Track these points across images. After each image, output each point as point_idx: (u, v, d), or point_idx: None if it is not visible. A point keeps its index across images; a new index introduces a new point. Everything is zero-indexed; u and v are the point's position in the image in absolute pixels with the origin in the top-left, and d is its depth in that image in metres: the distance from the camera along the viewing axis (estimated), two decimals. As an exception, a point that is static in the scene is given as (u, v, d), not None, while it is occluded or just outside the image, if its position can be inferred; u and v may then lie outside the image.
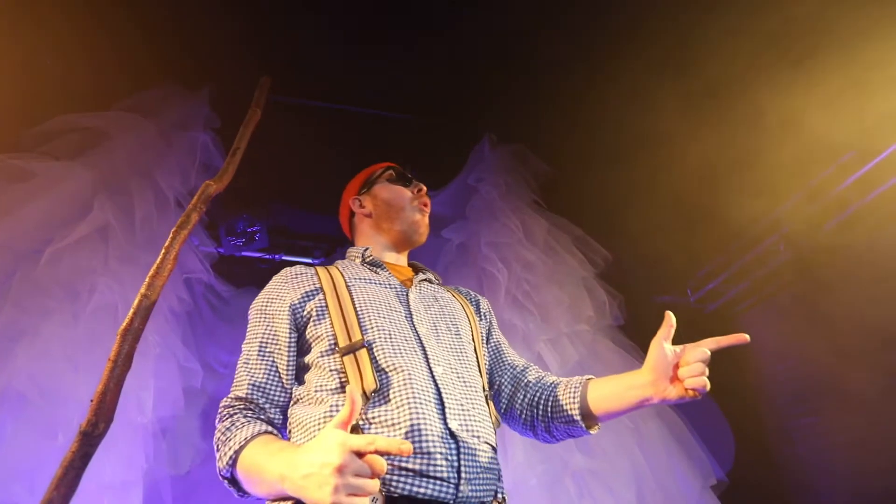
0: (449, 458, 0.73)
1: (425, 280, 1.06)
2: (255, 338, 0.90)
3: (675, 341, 0.83)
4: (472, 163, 2.84)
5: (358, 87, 2.95)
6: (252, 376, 0.86)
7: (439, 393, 0.80)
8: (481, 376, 0.94)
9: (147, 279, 1.17)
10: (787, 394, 3.84)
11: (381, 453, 0.59)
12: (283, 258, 3.63)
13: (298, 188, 3.40)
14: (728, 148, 3.00)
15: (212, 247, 3.09)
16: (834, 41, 2.46)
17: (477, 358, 0.96)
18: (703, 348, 0.79)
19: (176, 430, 2.07)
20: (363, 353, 0.82)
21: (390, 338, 0.85)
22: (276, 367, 0.87)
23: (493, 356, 1.06)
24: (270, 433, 0.79)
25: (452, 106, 2.99)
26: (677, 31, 2.63)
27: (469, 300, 1.11)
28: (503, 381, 1.02)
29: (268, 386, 0.85)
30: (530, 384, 0.99)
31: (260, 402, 0.84)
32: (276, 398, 0.85)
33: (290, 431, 0.84)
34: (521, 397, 0.98)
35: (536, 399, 0.96)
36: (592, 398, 0.90)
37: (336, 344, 0.84)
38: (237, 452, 0.74)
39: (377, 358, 0.82)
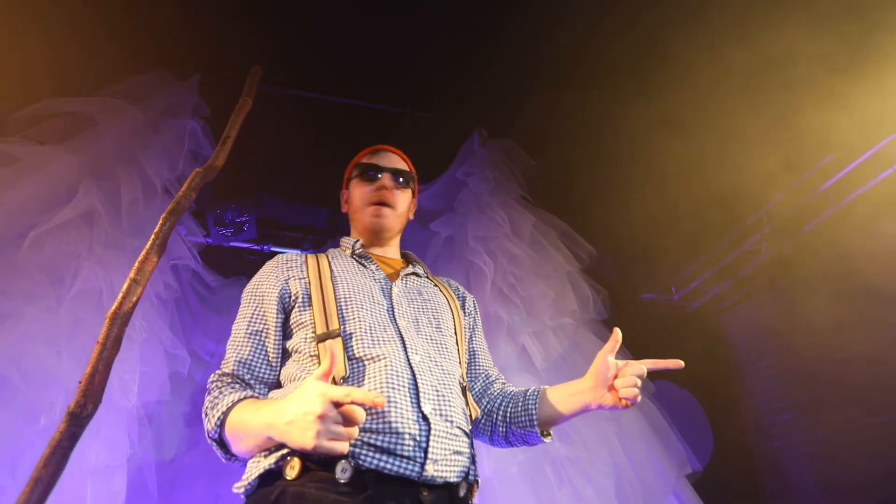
0: (417, 439, 0.77)
1: (412, 274, 1.08)
2: (244, 318, 0.94)
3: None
4: (462, 157, 2.87)
5: (351, 79, 2.96)
6: (238, 354, 0.90)
7: (415, 378, 0.83)
8: (461, 367, 0.98)
9: (136, 264, 1.17)
10: (766, 390, 3.95)
11: (357, 404, 0.64)
12: (272, 249, 3.62)
13: (288, 179, 3.40)
14: (712, 150, 3.07)
15: (200, 236, 3.08)
16: (816, 51, 2.53)
17: (458, 351, 0.99)
18: (641, 366, 0.87)
19: (161, 416, 2.07)
20: (338, 342, 0.85)
21: (370, 330, 0.88)
22: (264, 345, 0.91)
23: (469, 358, 1.09)
24: (255, 397, 0.83)
25: (444, 101, 3.01)
26: (665, 37, 2.68)
27: (457, 295, 1.14)
28: (475, 385, 1.06)
29: (253, 363, 0.89)
30: (495, 394, 1.04)
31: (245, 377, 0.88)
32: (262, 374, 0.89)
33: None
34: (485, 404, 1.03)
35: (497, 406, 1.01)
36: (544, 405, 0.95)
37: (315, 331, 0.88)
38: (224, 414, 0.79)
39: (353, 348, 0.85)
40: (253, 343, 0.90)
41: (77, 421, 1.01)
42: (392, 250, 1.14)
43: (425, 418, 0.78)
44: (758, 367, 4.14)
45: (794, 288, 3.75)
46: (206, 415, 0.83)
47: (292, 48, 2.78)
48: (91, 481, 1.61)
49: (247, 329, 0.92)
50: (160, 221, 1.29)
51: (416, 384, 0.82)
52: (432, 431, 0.78)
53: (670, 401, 3.86)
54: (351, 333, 0.86)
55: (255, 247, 3.63)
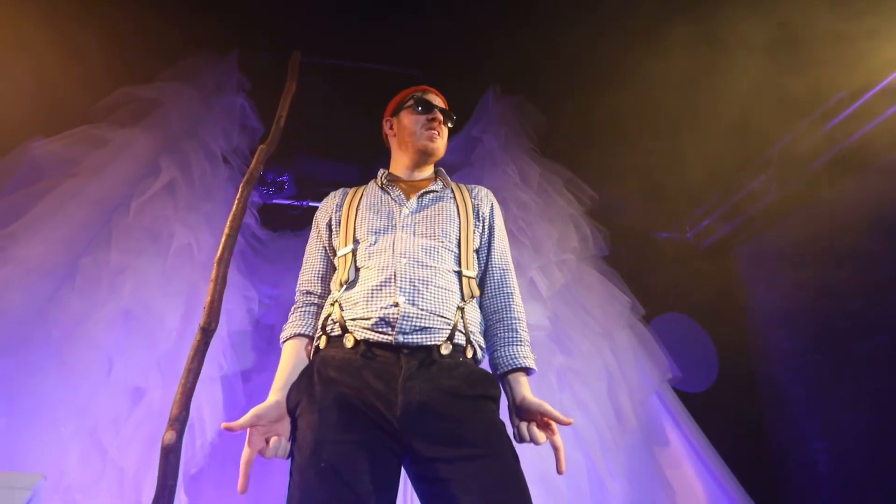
0: (389, 321, 1.06)
1: (431, 192, 1.27)
2: (312, 240, 1.30)
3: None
4: (478, 114, 3.11)
5: (374, 46, 3.20)
6: (312, 266, 1.27)
7: (395, 277, 1.11)
8: (459, 264, 1.20)
9: (228, 221, 1.59)
10: (773, 320, 4.20)
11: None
12: (310, 204, 3.99)
13: (320, 141, 3.73)
14: (722, 91, 3.20)
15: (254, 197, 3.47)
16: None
17: (459, 253, 1.20)
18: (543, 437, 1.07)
19: (240, 345, 2.59)
20: (348, 256, 1.18)
21: (370, 246, 1.17)
22: (322, 258, 1.29)
23: (480, 258, 1.26)
24: (300, 336, 1.19)
25: (460, 60, 3.22)
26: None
27: (473, 203, 1.29)
28: (485, 281, 1.29)
29: (321, 269, 1.27)
30: (489, 321, 1.25)
31: (317, 284, 1.25)
32: (326, 274, 1.27)
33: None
34: (486, 315, 1.27)
35: (487, 334, 1.25)
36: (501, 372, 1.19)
37: (337, 250, 1.21)
38: (282, 342, 1.21)
39: (357, 260, 1.17)
40: (315, 258, 1.29)
41: (206, 334, 1.48)
42: (426, 172, 1.36)
43: (396, 304, 1.09)
44: (767, 299, 4.36)
45: (800, 224, 3.90)
46: (283, 328, 1.23)
47: (319, 20, 3.03)
48: (200, 388, 2.14)
49: (315, 248, 1.29)
50: (240, 190, 1.69)
51: (395, 280, 1.12)
52: (401, 315, 1.08)
53: (679, 330, 4.20)
54: (356, 250, 1.20)
55: (296, 202, 3.98)
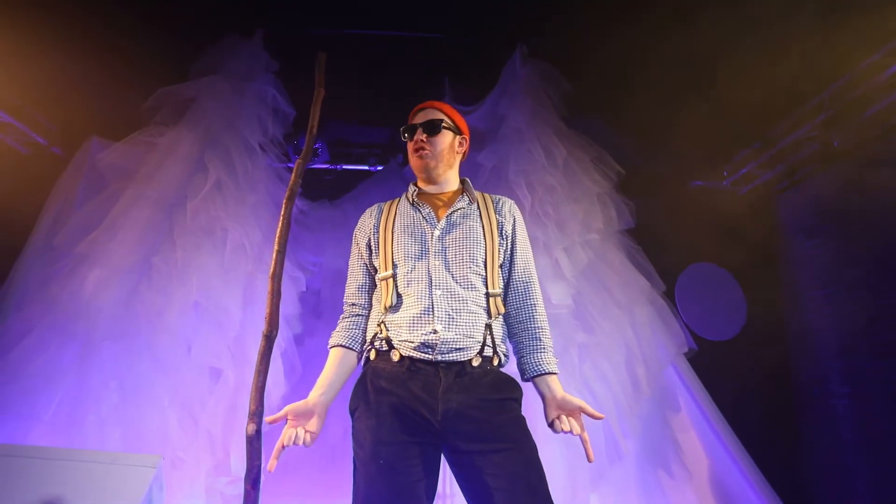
0: (429, 343, 1.24)
1: (458, 210, 1.40)
2: (353, 256, 1.45)
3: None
4: (505, 79, 3.05)
5: (399, 11, 3.11)
6: (356, 280, 1.42)
7: (433, 307, 1.27)
8: (486, 286, 1.34)
9: (276, 238, 1.78)
10: (809, 269, 4.17)
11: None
12: (344, 167, 4.11)
13: (349, 105, 3.78)
14: (771, 33, 2.99)
15: (284, 163, 3.62)
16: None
17: (486, 273, 1.35)
18: (577, 428, 1.27)
19: (293, 320, 2.91)
20: (390, 281, 1.32)
21: (408, 273, 1.31)
22: (365, 274, 1.42)
23: (504, 273, 1.40)
24: (342, 346, 1.35)
25: (484, 23, 3.10)
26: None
27: (498, 220, 1.41)
28: (508, 295, 1.44)
29: (364, 283, 1.42)
30: (513, 330, 1.40)
31: (361, 297, 1.41)
32: (369, 287, 1.42)
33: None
34: (510, 324, 1.41)
35: (513, 339, 1.40)
36: (531, 376, 1.35)
37: (379, 272, 1.36)
38: (330, 348, 1.37)
39: (398, 286, 1.32)
40: (358, 273, 1.43)
41: (269, 340, 1.74)
42: (449, 184, 1.48)
43: (435, 331, 1.26)
44: (805, 247, 4.29)
45: (847, 173, 3.74)
46: (332, 334, 1.40)
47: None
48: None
49: (356, 263, 1.44)
50: (283, 206, 1.86)
51: (433, 310, 1.26)
52: (440, 339, 1.24)
53: (707, 279, 4.25)
54: (395, 275, 1.35)
55: (330, 167, 4.11)
